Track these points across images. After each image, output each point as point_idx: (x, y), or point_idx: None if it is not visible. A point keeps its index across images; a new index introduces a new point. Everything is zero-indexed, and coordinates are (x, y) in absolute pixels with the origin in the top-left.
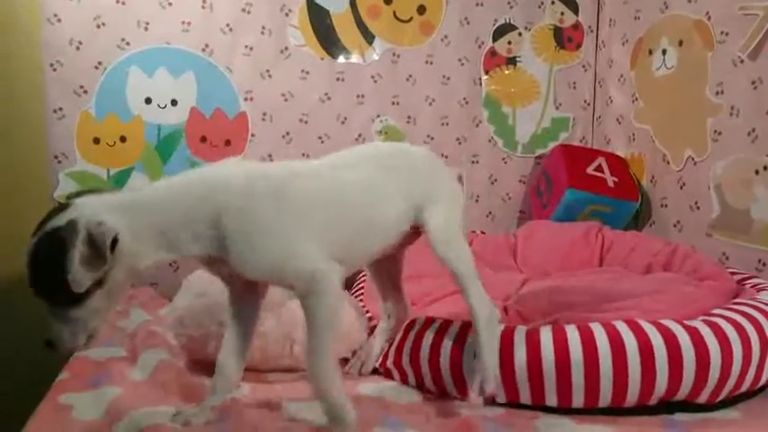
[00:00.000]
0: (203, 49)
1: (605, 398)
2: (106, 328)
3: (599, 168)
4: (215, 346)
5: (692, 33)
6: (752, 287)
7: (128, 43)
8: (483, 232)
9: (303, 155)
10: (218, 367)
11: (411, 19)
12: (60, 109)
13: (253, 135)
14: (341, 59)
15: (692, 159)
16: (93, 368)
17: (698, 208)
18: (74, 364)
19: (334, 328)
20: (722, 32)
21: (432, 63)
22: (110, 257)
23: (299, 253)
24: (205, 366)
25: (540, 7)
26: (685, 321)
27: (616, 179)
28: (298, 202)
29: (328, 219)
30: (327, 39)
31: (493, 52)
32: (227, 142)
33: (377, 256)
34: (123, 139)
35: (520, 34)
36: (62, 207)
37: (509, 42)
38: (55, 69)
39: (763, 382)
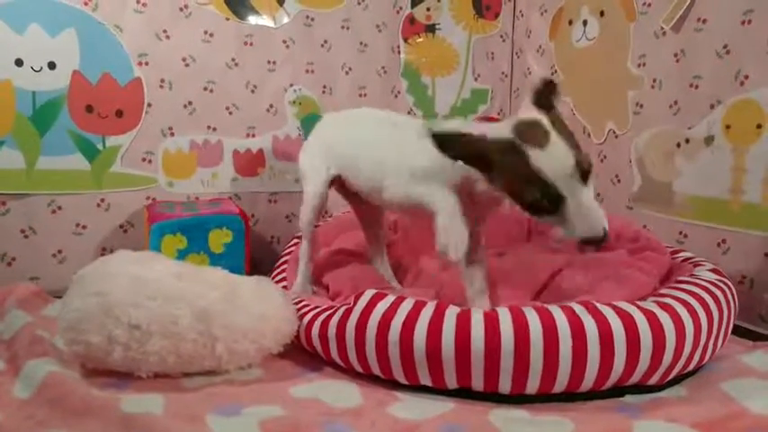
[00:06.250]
0: (86, 3)
1: (561, 383)
2: None
3: None
4: (121, 353)
5: (614, 4)
6: (683, 261)
7: None
8: None
9: (209, 128)
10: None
11: None
12: None
13: (149, 105)
14: (249, 21)
15: (614, 132)
16: None
17: (618, 181)
18: None
19: None
20: (644, 3)
21: (348, 28)
22: None
23: None
24: (107, 377)
25: None
26: (640, 304)
27: None
28: None
29: None
30: None
31: (411, 19)
32: (119, 113)
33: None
34: None
35: (439, 0)
36: None
37: (428, 9)
38: None
39: (706, 359)
